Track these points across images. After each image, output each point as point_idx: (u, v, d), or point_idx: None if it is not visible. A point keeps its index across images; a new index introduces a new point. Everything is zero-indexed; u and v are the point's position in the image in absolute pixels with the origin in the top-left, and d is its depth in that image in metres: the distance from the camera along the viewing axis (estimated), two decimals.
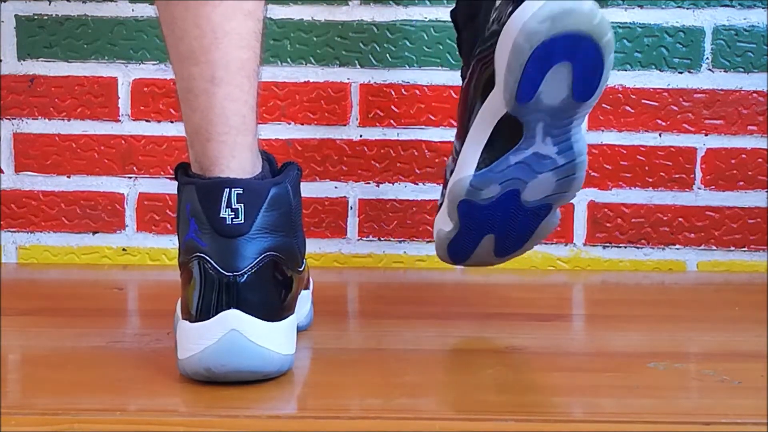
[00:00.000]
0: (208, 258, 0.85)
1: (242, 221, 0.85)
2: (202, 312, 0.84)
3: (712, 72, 1.33)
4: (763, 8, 1.32)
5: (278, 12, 1.32)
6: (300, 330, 0.95)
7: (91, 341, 0.98)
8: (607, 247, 1.36)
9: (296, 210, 0.90)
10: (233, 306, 0.84)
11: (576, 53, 0.94)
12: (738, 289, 1.28)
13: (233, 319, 0.83)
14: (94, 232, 1.35)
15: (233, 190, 0.85)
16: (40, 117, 1.34)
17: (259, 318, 0.84)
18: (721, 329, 1.07)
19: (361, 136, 1.34)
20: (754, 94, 1.33)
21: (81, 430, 0.78)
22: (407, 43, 1.32)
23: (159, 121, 1.34)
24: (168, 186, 1.33)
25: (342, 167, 1.34)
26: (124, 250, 1.35)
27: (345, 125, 1.34)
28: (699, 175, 1.34)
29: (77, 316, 1.08)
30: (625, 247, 1.35)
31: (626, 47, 1.33)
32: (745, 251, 1.35)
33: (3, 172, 1.34)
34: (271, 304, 0.86)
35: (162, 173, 1.33)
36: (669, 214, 1.35)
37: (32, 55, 1.33)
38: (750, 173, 1.34)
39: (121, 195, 1.34)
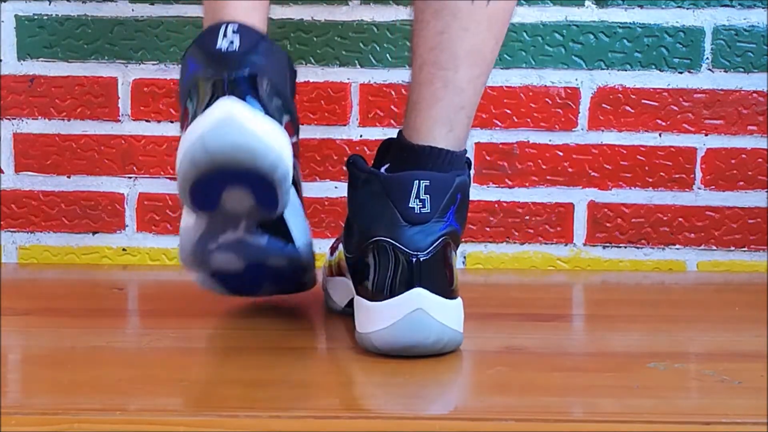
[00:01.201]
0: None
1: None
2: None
3: (712, 72, 1.33)
4: (763, 8, 1.32)
5: (278, 12, 1.32)
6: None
7: (91, 341, 0.98)
8: (607, 247, 1.36)
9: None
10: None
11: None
12: (738, 289, 1.28)
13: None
14: (94, 232, 1.35)
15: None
16: (40, 117, 1.34)
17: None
18: (721, 329, 1.07)
19: (361, 136, 1.34)
20: (754, 94, 1.33)
21: (81, 430, 0.78)
22: (407, 43, 1.32)
23: (159, 121, 1.34)
24: (168, 186, 1.33)
25: (342, 167, 1.34)
26: (124, 250, 1.35)
27: (345, 125, 1.34)
28: (699, 175, 1.34)
29: (77, 316, 1.08)
30: (625, 247, 1.36)
31: (626, 47, 1.33)
32: (745, 251, 1.35)
33: (3, 172, 1.34)
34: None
35: (162, 173, 1.33)
36: (669, 214, 1.35)
37: (32, 55, 1.33)
38: (750, 173, 1.34)
39: (121, 195, 1.34)
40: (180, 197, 0.94)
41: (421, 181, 0.92)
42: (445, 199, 0.93)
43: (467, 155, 0.99)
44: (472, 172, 1.32)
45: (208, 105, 0.89)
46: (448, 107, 0.96)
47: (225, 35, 0.91)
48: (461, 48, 0.96)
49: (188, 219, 0.99)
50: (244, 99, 0.89)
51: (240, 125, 0.88)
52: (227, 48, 0.90)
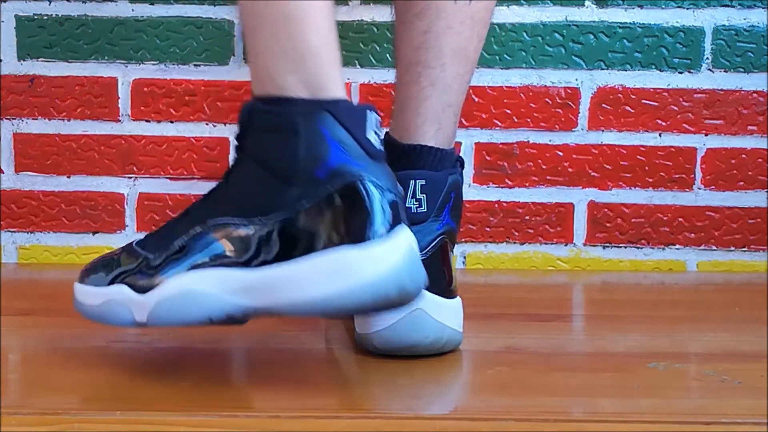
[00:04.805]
0: (373, 179, 0.82)
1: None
2: (378, 231, 0.82)
3: (712, 72, 1.33)
4: (763, 8, 1.32)
5: None
6: None
7: (91, 341, 0.98)
8: (607, 247, 1.36)
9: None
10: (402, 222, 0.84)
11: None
12: (738, 289, 1.28)
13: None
14: (94, 232, 1.35)
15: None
16: (40, 117, 1.34)
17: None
18: (721, 329, 1.07)
19: None
20: (754, 94, 1.33)
21: (81, 430, 0.78)
22: None
23: (159, 121, 1.34)
24: (168, 186, 1.33)
25: None
26: None
27: None
28: (699, 175, 1.34)
29: (77, 316, 1.08)
30: (625, 247, 1.35)
31: (626, 47, 1.33)
32: (745, 251, 1.35)
33: (3, 172, 1.34)
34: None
35: (162, 173, 1.33)
36: (669, 214, 1.35)
37: (32, 55, 1.33)
38: (750, 173, 1.34)
39: (121, 195, 1.34)
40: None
41: (417, 181, 0.92)
42: (441, 197, 0.93)
43: (460, 154, 1.00)
44: (471, 171, 1.33)
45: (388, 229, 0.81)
46: (436, 105, 0.96)
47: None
48: (447, 46, 0.96)
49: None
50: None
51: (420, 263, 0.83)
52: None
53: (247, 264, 0.82)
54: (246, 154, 0.85)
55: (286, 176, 0.82)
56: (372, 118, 0.82)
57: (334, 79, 0.83)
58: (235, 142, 0.86)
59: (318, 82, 0.82)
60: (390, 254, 0.80)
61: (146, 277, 0.87)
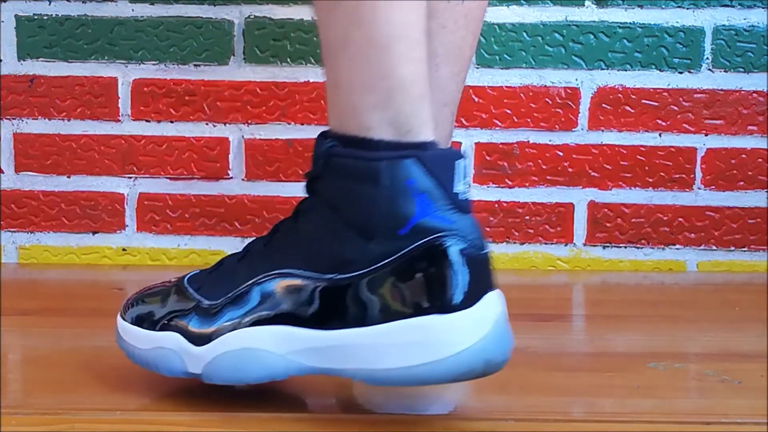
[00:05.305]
0: (461, 236, 0.75)
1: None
2: (466, 298, 0.74)
3: (712, 72, 1.33)
4: (763, 8, 1.32)
5: (278, 12, 1.32)
6: None
7: (91, 341, 0.98)
8: (607, 247, 1.36)
9: None
10: (493, 286, 0.76)
11: None
12: (738, 289, 1.28)
13: (500, 300, 0.76)
14: (94, 232, 1.35)
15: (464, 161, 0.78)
16: (40, 117, 1.34)
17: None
18: (721, 329, 1.07)
19: None
20: (754, 94, 1.33)
21: (81, 430, 0.78)
22: None
23: (159, 121, 1.34)
24: (168, 186, 1.33)
25: None
26: (124, 250, 1.35)
27: None
28: (699, 175, 1.34)
29: (77, 316, 1.08)
30: (625, 247, 1.35)
31: (626, 47, 1.33)
32: (745, 251, 1.35)
33: (3, 172, 1.34)
34: None
35: (162, 173, 1.33)
36: (669, 214, 1.35)
37: (32, 55, 1.33)
38: (750, 173, 1.34)
39: (121, 195, 1.34)
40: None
41: None
42: None
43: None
44: (471, 171, 1.33)
45: (470, 294, 0.74)
46: (432, 105, 0.96)
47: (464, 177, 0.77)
48: (440, 46, 0.95)
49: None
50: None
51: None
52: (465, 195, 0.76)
53: (316, 323, 0.77)
54: (319, 198, 0.78)
55: (364, 229, 0.75)
56: (461, 166, 0.76)
57: (424, 119, 0.76)
58: (307, 183, 0.80)
59: (406, 123, 0.76)
60: (479, 326, 0.74)
61: (201, 324, 0.81)
